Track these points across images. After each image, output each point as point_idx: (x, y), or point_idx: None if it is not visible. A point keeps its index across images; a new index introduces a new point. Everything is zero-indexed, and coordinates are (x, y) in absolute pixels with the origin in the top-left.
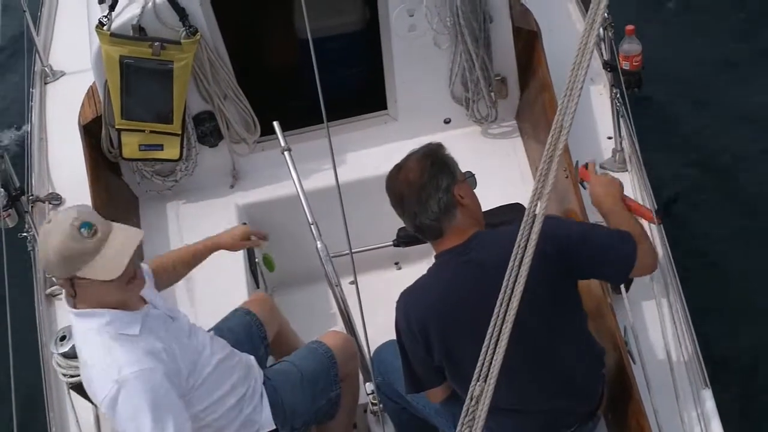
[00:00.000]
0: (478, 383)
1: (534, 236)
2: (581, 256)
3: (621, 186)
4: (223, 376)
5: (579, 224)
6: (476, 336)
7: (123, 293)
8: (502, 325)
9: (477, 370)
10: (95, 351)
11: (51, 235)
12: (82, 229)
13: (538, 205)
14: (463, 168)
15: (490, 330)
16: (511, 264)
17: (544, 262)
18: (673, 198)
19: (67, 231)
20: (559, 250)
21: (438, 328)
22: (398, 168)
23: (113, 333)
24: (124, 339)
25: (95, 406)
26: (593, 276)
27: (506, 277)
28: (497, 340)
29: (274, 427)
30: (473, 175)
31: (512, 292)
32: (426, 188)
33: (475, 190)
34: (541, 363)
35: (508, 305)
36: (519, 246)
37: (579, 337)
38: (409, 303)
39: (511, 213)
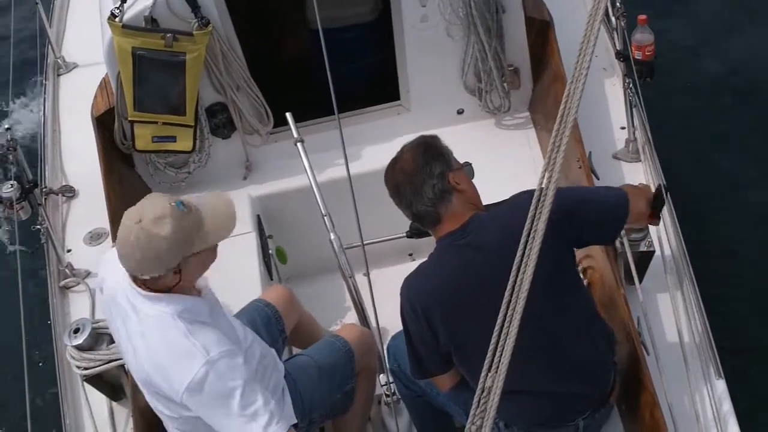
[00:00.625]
0: (490, 374)
1: (545, 213)
2: (582, 221)
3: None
4: (267, 368)
5: (569, 190)
6: (479, 319)
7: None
8: (513, 315)
9: (487, 360)
10: (176, 336)
11: (156, 229)
12: (180, 208)
13: (551, 177)
14: (476, 159)
15: (499, 320)
16: (519, 252)
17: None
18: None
19: (173, 214)
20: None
21: (441, 313)
22: (394, 161)
23: (190, 319)
24: (200, 324)
25: (109, 398)
26: (589, 239)
27: (516, 263)
28: (507, 328)
29: (296, 421)
30: (470, 164)
31: (522, 276)
32: (419, 175)
33: (487, 181)
34: (549, 344)
35: (519, 291)
36: (529, 226)
37: (586, 318)
38: (411, 288)
39: None
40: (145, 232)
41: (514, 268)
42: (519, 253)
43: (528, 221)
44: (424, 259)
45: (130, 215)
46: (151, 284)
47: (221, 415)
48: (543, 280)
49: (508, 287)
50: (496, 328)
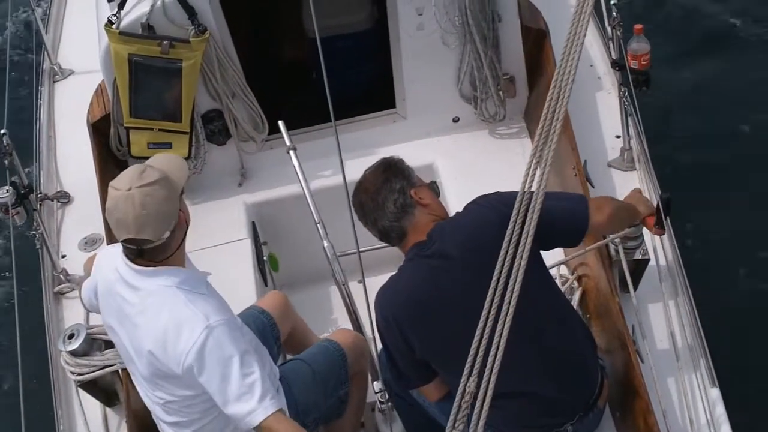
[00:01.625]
0: (471, 378)
1: (534, 214)
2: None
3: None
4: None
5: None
6: (453, 325)
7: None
8: (496, 319)
9: (468, 364)
10: (177, 304)
11: (148, 181)
12: (147, 171)
13: (536, 179)
14: (472, 166)
15: (480, 324)
16: (502, 253)
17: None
18: (666, 204)
19: (150, 169)
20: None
21: (412, 324)
22: (358, 183)
23: (189, 290)
24: (199, 295)
25: (103, 404)
26: (552, 243)
27: (498, 266)
28: (492, 330)
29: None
30: (435, 182)
31: (506, 281)
32: (381, 192)
33: (482, 189)
34: (529, 343)
35: (502, 295)
36: (513, 225)
37: (563, 315)
38: (383, 301)
39: None
40: (142, 191)
41: (497, 269)
42: (500, 260)
43: (510, 225)
44: None
45: (118, 186)
46: (151, 255)
47: (219, 382)
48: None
49: (490, 289)
50: (477, 332)
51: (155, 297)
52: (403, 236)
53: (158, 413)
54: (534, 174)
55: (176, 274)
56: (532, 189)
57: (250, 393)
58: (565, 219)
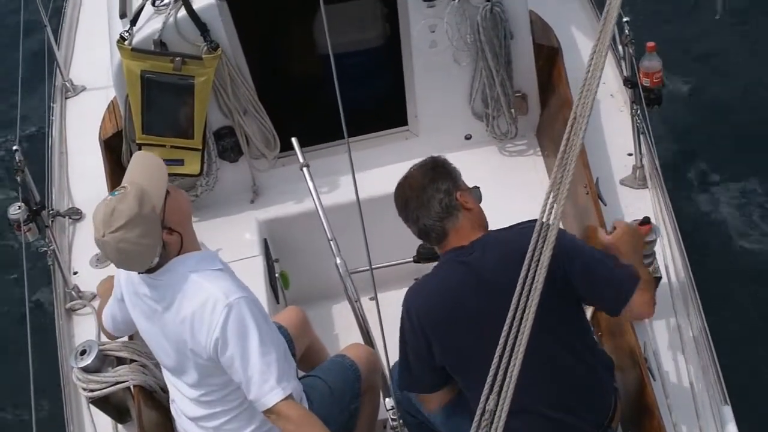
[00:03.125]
0: (492, 396)
1: (548, 249)
2: (582, 282)
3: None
4: (288, 356)
5: (590, 250)
6: (477, 337)
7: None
8: (514, 344)
9: (488, 383)
10: (197, 289)
11: (115, 225)
12: (117, 193)
13: (553, 212)
14: (484, 184)
15: (500, 345)
16: (521, 281)
17: (554, 276)
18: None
19: (117, 204)
20: (567, 270)
21: (439, 328)
22: (403, 178)
23: (207, 268)
24: (218, 273)
25: (115, 420)
26: (590, 300)
27: (516, 293)
28: (510, 353)
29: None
30: (479, 188)
31: (525, 309)
32: (427, 190)
33: (494, 207)
34: (549, 367)
35: (520, 322)
36: (531, 259)
37: (586, 346)
38: (412, 301)
39: None
40: (114, 236)
41: (515, 296)
42: (520, 283)
43: (529, 253)
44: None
45: (95, 227)
46: (160, 266)
47: (241, 358)
48: (545, 308)
49: (510, 314)
50: (497, 352)
51: (175, 287)
52: (443, 237)
53: (185, 409)
54: (552, 206)
55: (188, 259)
56: (550, 221)
57: (269, 372)
58: (605, 287)
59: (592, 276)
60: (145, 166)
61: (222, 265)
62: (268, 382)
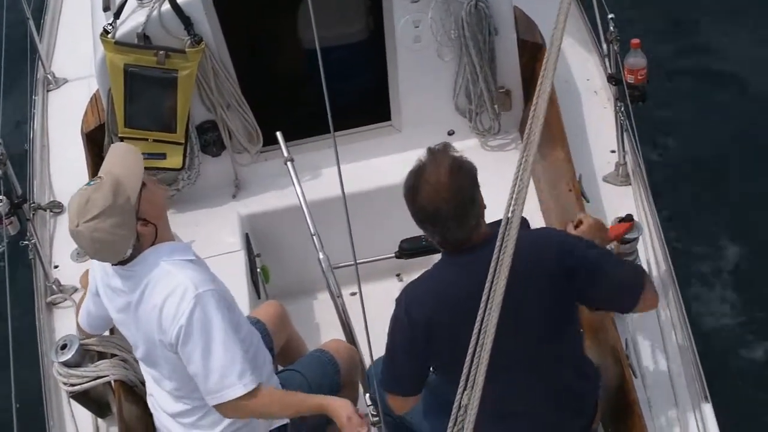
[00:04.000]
0: (465, 392)
1: (511, 239)
2: (593, 285)
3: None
4: (259, 353)
5: (595, 249)
6: (469, 334)
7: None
8: (486, 332)
9: (463, 378)
10: (168, 278)
11: (90, 214)
12: (93, 182)
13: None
14: None
15: (474, 337)
16: (490, 277)
17: (554, 277)
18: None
19: (92, 193)
20: (572, 270)
21: (437, 325)
22: (426, 181)
23: (177, 259)
24: (189, 263)
25: (95, 415)
26: (599, 305)
27: (486, 287)
28: (481, 346)
29: (287, 421)
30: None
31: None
32: (465, 204)
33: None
34: (538, 372)
35: (488, 315)
36: (499, 250)
37: (577, 355)
38: (411, 296)
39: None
40: (88, 226)
41: (486, 288)
42: (490, 277)
43: (496, 251)
44: (416, 276)
45: (70, 218)
46: (133, 257)
47: (203, 351)
48: (537, 315)
49: (481, 306)
50: (471, 345)
51: (146, 277)
52: (465, 243)
53: (164, 404)
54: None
55: (161, 249)
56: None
57: (232, 367)
58: (613, 290)
59: (602, 276)
60: (122, 157)
61: (194, 257)
62: (229, 378)
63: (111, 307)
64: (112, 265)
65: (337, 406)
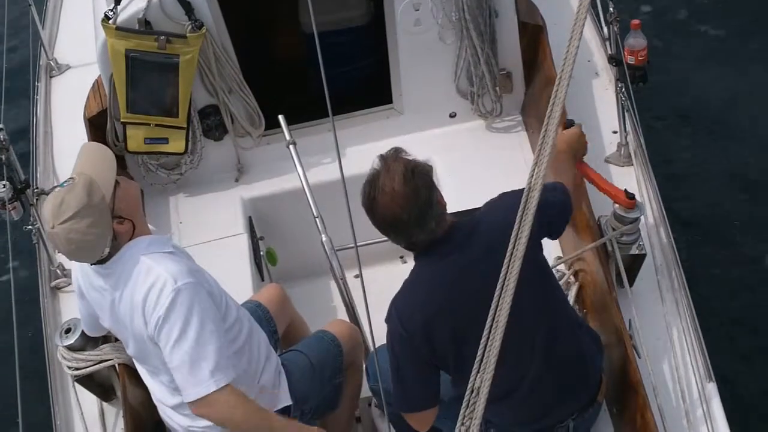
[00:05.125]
0: (479, 374)
1: (531, 210)
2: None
3: (580, 142)
4: (253, 334)
5: (548, 192)
6: (479, 327)
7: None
8: (499, 315)
9: (477, 362)
10: (147, 272)
11: (66, 215)
12: (66, 183)
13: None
14: (468, 161)
15: (488, 322)
16: (511, 246)
17: (534, 241)
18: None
19: (65, 195)
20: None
21: (436, 323)
22: (381, 191)
23: (155, 251)
24: (168, 255)
25: (100, 398)
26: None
27: (506, 260)
28: (495, 328)
29: (291, 402)
30: (430, 165)
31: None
32: (423, 210)
33: (479, 184)
34: (539, 345)
35: (505, 289)
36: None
37: (573, 319)
38: (399, 306)
39: None
40: (63, 227)
41: (503, 270)
42: (508, 255)
43: (517, 220)
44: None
45: (44, 220)
46: (111, 256)
47: (175, 343)
48: (528, 284)
49: (497, 289)
50: (485, 330)
51: (126, 273)
52: (431, 243)
53: (162, 397)
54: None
55: (138, 243)
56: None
57: (204, 361)
58: (560, 209)
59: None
60: (93, 157)
61: (173, 248)
62: (200, 374)
63: (97, 306)
64: (91, 264)
65: None
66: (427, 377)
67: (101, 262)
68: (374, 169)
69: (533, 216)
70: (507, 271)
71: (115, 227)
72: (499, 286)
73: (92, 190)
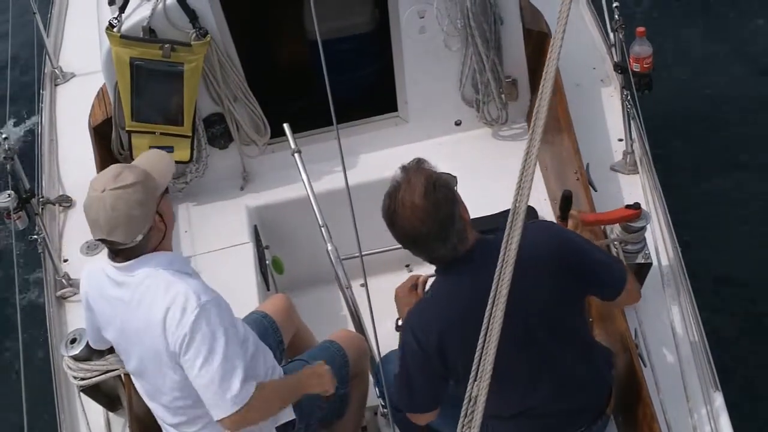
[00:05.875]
0: (476, 383)
1: (516, 233)
2: (584, 270)
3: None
4: (258, 353)
5: (589, 243)
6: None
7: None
8: (492, 323)
9: (473, 371)
10: (169, 286)
11: (123, 182)
12: (123, 173)
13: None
14: (474, 170)
15: (483, 330)
16: (499, 267)
17: (556, 269)
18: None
19: (123, 168)
20: (572, 265)
21: (450, 337)
22: (402, 204)
23: (176, 270)
24: (187, 275)
25: (105, 408)
26: (588, 291)
27: (496, 275)
28: (489, 336)
29: (294, 417)
30: (455, 178)
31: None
32: (444, 225)
33: (484, 193)
34: (551, 370)
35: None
36: (506, 241)
37: (586, 345)
38: (415, 319)
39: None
40: (114, 193)
41: (495, 277)
42: (497, 270)
43: (503, 242)
44: (421, 271)
45: (94, 186)
46: (126, 255)
47: (204, 362)
48: (543, 309)
49: (489, 300)
50: (480, 335)
51: (145, 286)
52: (453, 258)
53: (163, 415)
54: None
55: (158, 257)
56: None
57: (235, 375)
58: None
59: (590, 263)
60: (155, 158)
61: (192, 271)
62: (231, 389)
63: (104, 317)
64: (112, 260)
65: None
66: (435, 384)
67: (124, 254)
68: (395, 181)
69: (520, 233)
70: (497, 287)
71: (155, 220)
72: (491, 295)
73: (149, 176)
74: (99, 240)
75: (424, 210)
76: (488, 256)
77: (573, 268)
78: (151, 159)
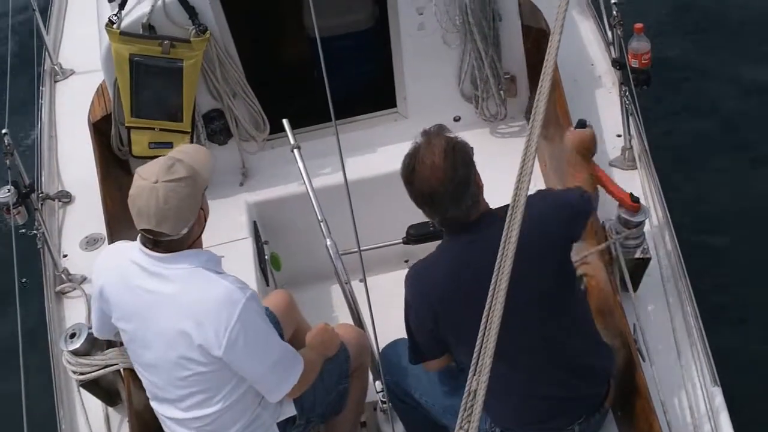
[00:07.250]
0: (475, 377)
1: (517, 221)
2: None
3: (593, 143)
4: None
5: (542, 196)
6: (472, 315)
7: None
8: (492, 316)
9: (473, 363)
10: (209, 282)
11: (175, 175)
12: (175, 166)
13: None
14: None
15: (483, 322)
16: (500, 252)
17: (548, 240)
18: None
19: (173, 160)
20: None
21: (444, 305)
22: (421, 163)
23: (214, 269)
24: (223, 274)
25: (105, 403)
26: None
27: (495, 268)
28: (489, 329)
29: (295, 412)
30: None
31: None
32: (460, 186)
33: (484, 188)
34: (549, 349)
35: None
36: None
37: (587, 326)
38: (418, 277)
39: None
40: (168, 185)
41: (495, 270)
42: (499, 257)
43: (505, 228)
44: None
45: (145, 175)
46: (167, 247)
47: (263, 352)
48: (541, 289)
49: (491, 289)
50: (480, 329)
51: (183, 278)
52: (465, 222)
53: (169, 411)
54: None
55: (199, 255)
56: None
57: (285, 358)
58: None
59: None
60: (200, 155)
61: (223, 270)
62: (286, 373)
63: (124, 306)
64: (151, 250)
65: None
66: (435, 341)
67: (165, 246)
68: (416, 143)
69: (519, 228)
70: (497, 279)
71: (200, 214)
72: (491, 289)
73: (197, 171)
74: (143, 230)
75: (443, 169)
76: (493, 228)
77: (555, 226)
78: (195, 155)
